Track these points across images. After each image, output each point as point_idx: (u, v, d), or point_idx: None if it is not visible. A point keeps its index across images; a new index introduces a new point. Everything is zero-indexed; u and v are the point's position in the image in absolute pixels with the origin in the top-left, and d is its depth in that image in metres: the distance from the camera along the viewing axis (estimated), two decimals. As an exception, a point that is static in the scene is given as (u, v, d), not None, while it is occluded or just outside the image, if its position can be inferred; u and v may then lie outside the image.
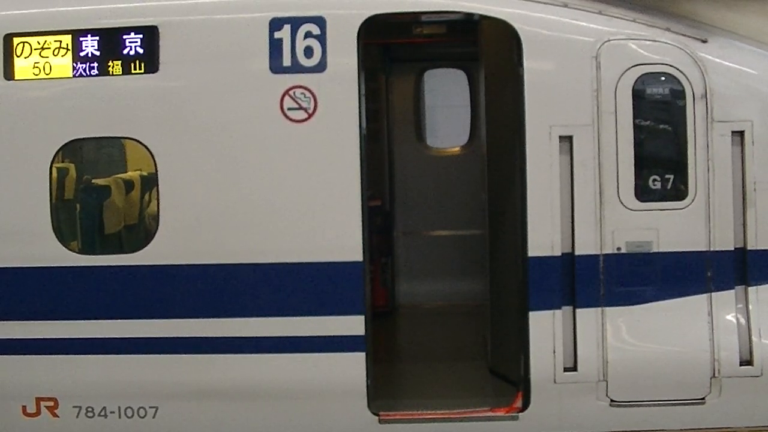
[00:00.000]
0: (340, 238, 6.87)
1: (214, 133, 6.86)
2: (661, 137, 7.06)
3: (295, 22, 6.83)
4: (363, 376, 6.89)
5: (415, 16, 9.29)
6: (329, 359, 6.90)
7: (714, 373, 6.88)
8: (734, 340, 6.89)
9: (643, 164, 6.91)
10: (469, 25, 9.03)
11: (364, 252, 6.87)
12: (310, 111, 6.83)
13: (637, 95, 6.88)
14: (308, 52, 6.82)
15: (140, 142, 6.91)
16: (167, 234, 6.91)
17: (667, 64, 6.89)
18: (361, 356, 6.89)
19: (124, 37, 6.89)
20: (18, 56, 6.93)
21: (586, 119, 6.84)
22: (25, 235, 6.96)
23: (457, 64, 11.54)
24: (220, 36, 6.90)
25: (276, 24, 6.83)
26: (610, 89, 6.83)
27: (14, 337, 7.02)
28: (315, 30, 6.82)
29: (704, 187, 6.87)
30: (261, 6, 6.92)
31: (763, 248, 6.90)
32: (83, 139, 7.09)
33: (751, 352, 6.89)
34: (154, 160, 6.89)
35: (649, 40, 6.92)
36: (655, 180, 6.93)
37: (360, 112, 6.85)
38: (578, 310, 6.92)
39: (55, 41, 6.91)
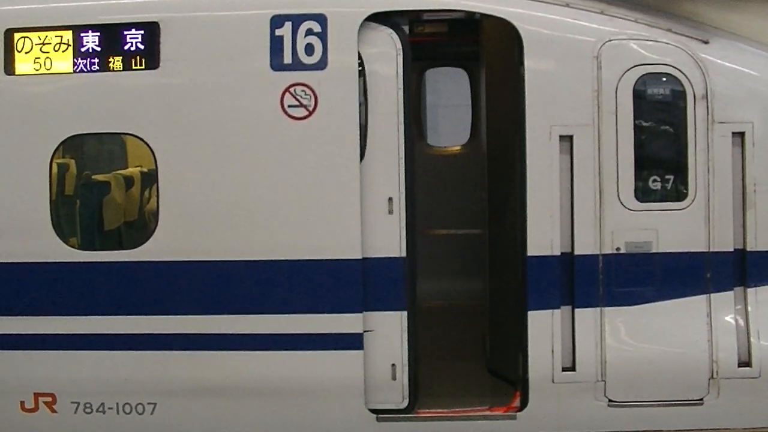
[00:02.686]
0: (338, 235, 6.87)
1: (215, 129, 6.86)
2: (661, 138, 7.06)
3: (296, 20, 6.82)
4: (361, 373, 6.89)
5: (417, 14, 9.28)
6: (328, 357, 6.90)
7: (712, 374, 6.88)
8: (733, 342, 6.89)
9: (643, 165, 6.91)
10: (470, 24, 9.02)
11: (362, 250, 6.87)
12: (311, 108, 6.83)
13: (638, 95, 6.88)
14: (309, 49, 6.82)
15: (140, 138, 6.91)
16: (167, 230, 6.90)
17: (668, 65, 6.89)
18: (359, 354, 6.89)
19: (125, 33, 6.88)
20: (19, 51, 6.92)
21: (586, 119, 6.84)
22: (25, 231, 6.96)
23: (458, 63, 11.53)
24: (221, 33, 6.90)
25: (277, 21, 6.83)
26: (610, 89, 6.83)
27: (13, 333, 7.02)
28: (316, 27, 6.81)
29: (704, 188, 6.87)
30: (262, 3, 6.91)
31: (762, 250, 6.90)
32: (83, 134, 7.09)
33: (749, 354, 6.90)
34: (154, 157, 6.89)
35: (650, 41, 6.92)
36: (655, 180, 6.93)
37: (404, 110, 6.84)
38: (577, 310, 6.92)
39: (56, 37, 6.91)
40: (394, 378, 6.96)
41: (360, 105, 6.90)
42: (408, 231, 6.92)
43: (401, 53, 6.88)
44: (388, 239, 6.90)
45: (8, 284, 7.02)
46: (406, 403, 6.99)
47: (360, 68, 6.88)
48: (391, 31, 6.90)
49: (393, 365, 6.95)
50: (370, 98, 6.88)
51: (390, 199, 6.90)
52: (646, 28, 6.97)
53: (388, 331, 6.94)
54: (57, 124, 6.94)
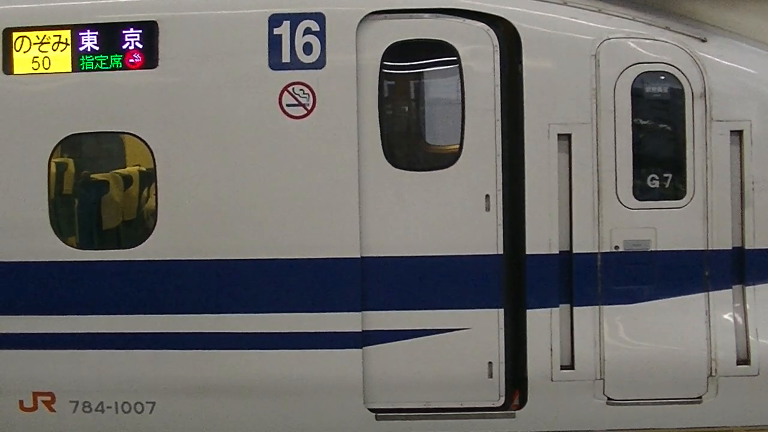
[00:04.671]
0: (337, 234, 6.86)
1: (213, 128, 6.86)
2: (659, 136, 7.07)
3: (295, 19, 6.82)
4: (360, 372, 6.89)
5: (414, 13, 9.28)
6: (326, 356, 6.90)
7: (711, 372, 6.89)
8: (731, 340, 6.90)
9: (642, 163, 6.91)
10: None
11: (361, 248, 6.86)
12: (309, 107, 6.83)
13: (636, 94, 6.89)
14: (307, 48, 6.82)
15: (139, 137, 6.91)
16: (165, 229, 6.90)
17: (666, 63, 6.89)
18: (357, 353, 6.89)
19: (124, 32, 6.88)
20: (17, 51, 6.92)
21: (584, 117, 6.84)
22: (24, 230, 6.95)
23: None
24: (219, 32, 6.90)
25: (275, 20, 6.83)
26: (609, 87, 6.83)
27: (11, 332, 7.01)
28: (314, 26, 6.82)
29: (702, 186, 6.87)
30: (260, 2, 6.91)
31: (760, 248, 6.91)
32: (82, 133, 7.09)
33: (748, 352, 6.90)
34: (153, 156, 6.89)
35: (648, 39, 6.92)
36: (653, 179, 6.93)
37: (502, 107, 6.81)
38: (575, 309, 6.92)
39: (54, 36, 6.91)
40: (490, 376, 6.94)
41: (458, 102, 6.90)
42: (505, 228, 6.89)
43: (498, 50, 6.85)
44: (485, 236, 6.88)
45: (7, 283, 7.01)
46: (502, 401, 6.98)
47: (456, 65, 6.87)
48: (488, 27, 6.86)
49: (490, 363, 6.94)
50: (467, 95, 6.85)
51: (487, 196, 6.89)
52: (644, 26, 6.97)
53: (485, 329, 6.91)
54: (55, 124, 6.94)
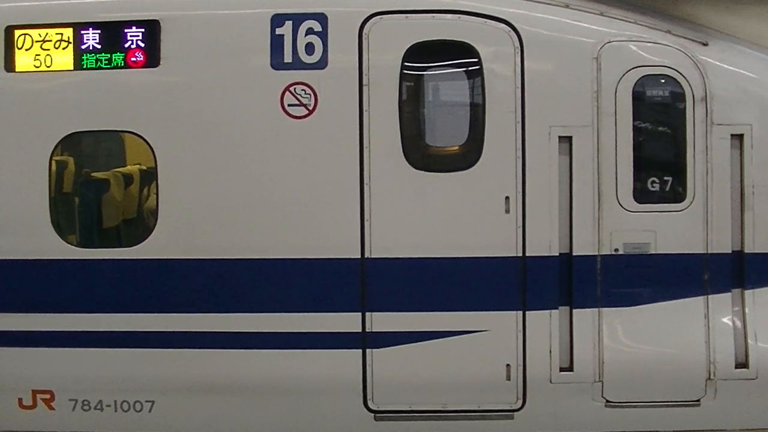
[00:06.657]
0: (338, 234, 6.87)
1: (215, 128, 6.86)
2: (660, 139, 7.08)
3: (297, 19, 6.83)
4: (359, 372, 6.90)
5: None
6: (326, 356, 6.91)
7: (709, 376, 6.90)
8: (730, 343, 6.91)
9: (642, 166, 6.92)
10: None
11: (363, 248, 6.87)
12: (311, 107, 6.84)
13: (637, 97, 6.89)
14: (309, 48, 6.83)
15: (140, 136, 6.91)
16: (166, 228, 6.91)
17: (667, 67, 6.90)
18: (357, 353, 6.90)
19: (126, 30, 6.89)
20: (19, 48, 6.93)
21: (585, 120, 6.85)
22: (24, 228, 6.96)
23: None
24: (221, 31, 6.91)
25: (278, 20, 6.84)
26: (610, 90, 6.84)
27: (11, 329, 7.02)
28: (316, 27, 6.82)
29: (703, 189, 6.88)
30: (263, 2, 6.92)
31: (760, 251, 6.92)
32: (83, 132, 7.09)
33: (746, 355, 6.92)
34: (154, 155, 6.90)
35: (650, 43, 6.93)
36: (653, 182, 6.94)
37: (522, 109, 6.80)
38: (575, 311, 6.93)
39: (56, 34, 6.91)
40: (508, 378, 6.94)
41: (479, 105, 6.89)
42: (525, 230, 6.88)
43: (519, 51, 6.85)
44: (504, 239, 6.87)
45: (7, 281, 7.02)
46: (520, 404, 6.98)
47: (477, 67, 6.86)
48: (509, 29, 6.84)
49: (507, 365, 6.94)
50: (488, 97, 6.83)
51: (507, 198, 6.88)
52: (645, 29, 6.99)
53: (504, 331, 6.91)
54: (57, 122, 6.94)
